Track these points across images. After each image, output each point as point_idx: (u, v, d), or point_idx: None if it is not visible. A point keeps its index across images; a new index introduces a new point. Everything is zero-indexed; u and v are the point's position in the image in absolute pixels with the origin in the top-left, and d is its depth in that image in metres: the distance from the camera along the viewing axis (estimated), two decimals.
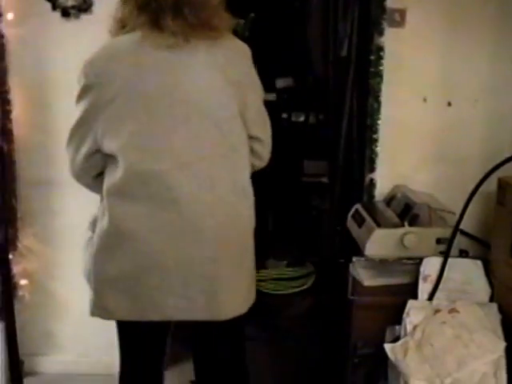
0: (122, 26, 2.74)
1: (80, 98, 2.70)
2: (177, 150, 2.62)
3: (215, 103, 2.64)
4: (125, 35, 2.69)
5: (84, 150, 2.72)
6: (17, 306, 4.01)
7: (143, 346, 3.00)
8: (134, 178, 2.62)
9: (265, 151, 2.89)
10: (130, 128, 2.60)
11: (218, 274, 2.71)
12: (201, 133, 2.64)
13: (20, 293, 4.03)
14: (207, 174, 2.65)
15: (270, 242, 4.44)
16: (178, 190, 2.62)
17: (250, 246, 2.84)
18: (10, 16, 3.77)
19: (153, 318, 2.73)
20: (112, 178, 2.68)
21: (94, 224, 2.84)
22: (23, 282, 4.03)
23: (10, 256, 3.90)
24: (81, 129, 2.71)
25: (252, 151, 2.83)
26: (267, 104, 3.00)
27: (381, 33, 3.92)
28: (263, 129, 2.85)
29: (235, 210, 2.75)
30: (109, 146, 2.65)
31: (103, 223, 2.73)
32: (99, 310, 2.83)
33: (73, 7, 3.76)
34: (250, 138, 2.80)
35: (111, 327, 4.00)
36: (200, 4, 2.62)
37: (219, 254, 2.70)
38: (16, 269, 3.99)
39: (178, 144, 2.62)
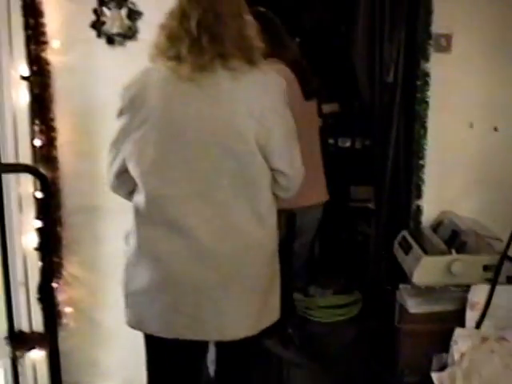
0: (158, 52, 2.73)
1: (117, 118, 2.76)
2: (195, 179, 2.64)
3: (234, 136, 2.61)
4: (159, 63, 2.70)
5: (115, 168, 2.80)
6: (61, 334, 3.99)
7: (170, 364, 3.02)
8: (153, 204, 2.68)
9: (290, 184, 2.85)
10: (152, 156, 2.64)
11: (227, 298, 2.74)
12: (219, 164, 2.62)
13: (65, 320, 4.02)
14: (223, 202, 2.66)
15: (316, 268, 4.42)
16: (193, 218, 2.65)
17: (264, 274, 2.85)
18: (56, 44, 3.78)
19: (166, 335, 2.78)
20: (137, 199, 2.74)
21: (127, 238, 2.88)
22: (68, 309, 4.02)
23: (55, 284, 3.91)
24: (113, 148, 2.77)
25: (276, 183, 2.83)
26: None
27: (427, 58, 3.92)
28: (288, 163, 2.81)
29: (249, 238, 2.74)
30: (132, 170, 2.71)
31: (132, 240, 2.80)
32: (128, 319, 2.91)
33: (118, 34, 3.77)
34: (274, 170, 2.76)
35: None
36: (217, 35, 2.61)
37: (228, 279, 2.72)
38: (61, 297, 3.98)
39: (196, 174, 2.64)
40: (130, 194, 2.84)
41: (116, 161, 2.77)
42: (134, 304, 2.87)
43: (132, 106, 2.68)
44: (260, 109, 2.63)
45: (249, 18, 2.72)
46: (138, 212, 2.74)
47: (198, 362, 3.05)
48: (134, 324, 2.89)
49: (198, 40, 2.60)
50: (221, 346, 3.03)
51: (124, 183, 2.83)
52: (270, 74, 2.74)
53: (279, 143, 2.71)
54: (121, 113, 2.71)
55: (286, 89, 2.75)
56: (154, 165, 2.65)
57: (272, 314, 2.91)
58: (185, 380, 3.00)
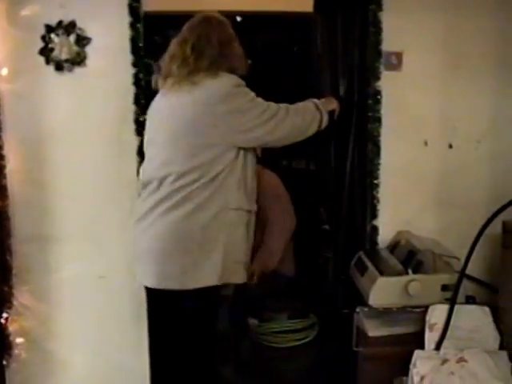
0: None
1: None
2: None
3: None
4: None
5: None
6: (13, 365, 3.94)
7: None
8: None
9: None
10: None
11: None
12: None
13: (16, 351, 3.95)
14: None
15: (268, 292, 4.36)
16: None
17: None
18: (3, 71, 3.76)
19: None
20: None
21: None
22: (19, 340, 3.96)
23: (5, 314, 3.84)
24: None
25: None
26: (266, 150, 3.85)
27: (377, 76, 3.88)
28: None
29: None
30: None
31: None
32: None
33: (66, 61, 3.74)
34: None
35: None
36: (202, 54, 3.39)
37: None
38: (12, 327, 3.92)
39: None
40: None
41: None
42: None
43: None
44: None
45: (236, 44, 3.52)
46: None
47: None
48: None
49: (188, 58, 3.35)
50: None
51: None
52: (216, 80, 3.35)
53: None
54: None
55: None
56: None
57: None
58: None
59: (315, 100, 3.66)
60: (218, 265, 3.28)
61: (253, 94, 3.39)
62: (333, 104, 3.76)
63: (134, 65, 3.75)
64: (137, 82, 3.76)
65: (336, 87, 4.07)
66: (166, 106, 3.42)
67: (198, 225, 3.27)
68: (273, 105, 3.42)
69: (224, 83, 3.32)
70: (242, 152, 3.38)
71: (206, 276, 3.27)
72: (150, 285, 3.39)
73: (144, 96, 3.78)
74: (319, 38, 4.22)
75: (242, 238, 3.42)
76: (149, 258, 3.37)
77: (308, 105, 3.61)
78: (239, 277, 3.43)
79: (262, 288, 4.19)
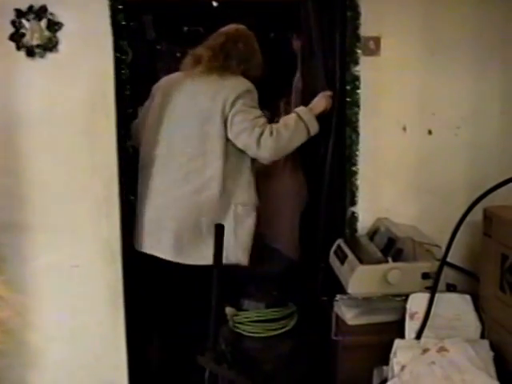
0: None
1: None
2: None
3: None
4: None
5: None
6: None
7: None
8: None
9: None
10: None
11: None
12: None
13: None
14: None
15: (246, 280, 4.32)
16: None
17: None
18: None
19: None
20: None
21: None
22: None
23: None
24: None
25: None
26: None
27: (356, 62, 3.83)
28: None
29: None
30: None
31: None
32: None
33: (38, 46, 3.66)
34: None
35: (86, 376, 3.89)
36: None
37: None
38: None
39: None
40: None
41: None
42: None
43: None
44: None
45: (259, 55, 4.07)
46: None
47: None
48: None
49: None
50: None
51: None
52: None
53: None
54: None
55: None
56: None
57: None
58: None
59: (300, 110, 3.91)
60: None
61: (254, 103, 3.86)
62: (321, 105, 3.90)
63: (108, 50, 3.66)
64: (109, 68, 3.67)
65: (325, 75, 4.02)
66: (192, 88, 3.87)
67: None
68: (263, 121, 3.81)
69: (242, 84, 3.84)
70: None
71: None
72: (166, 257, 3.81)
73: (117, 83, 3.70)
74: (304, 23, 4.16)
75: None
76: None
77: (288, 122, 3.85)
78: None
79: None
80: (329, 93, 3.91)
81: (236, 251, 3.81)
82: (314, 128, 3.83)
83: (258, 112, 3.82)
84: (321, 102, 3.90)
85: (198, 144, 3.78)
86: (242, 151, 3.81)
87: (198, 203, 3.77)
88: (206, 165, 3.77)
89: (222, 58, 3.88)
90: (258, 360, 3.94)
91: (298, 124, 3.81)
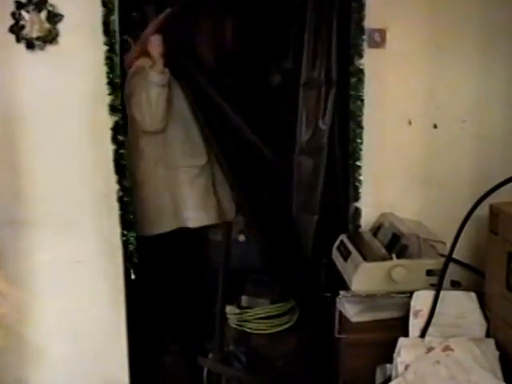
0: None
1: None
2: None
3: None
4: None
5: None
6: None
7: None
8: None
9: None
10: None
11: None
12: None
13: None
14: None
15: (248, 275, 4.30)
16: None
17: None
18: None
19: None
20: None
21: None
22: None
23: None
24: None
25: None
26: None
27: (360, 54, 3.77)
28: None
29: None
30: None
31: None
32: None
33: (37, 38, 3.62)
34: None
35: (86, 373, 3.87)
36: None
37: None
38: None
39: None
40: None
41: None
42: None
43: None
44: None
45: None
46: None
47: None
48: None
49: None
50: None
51: None
52: None
53: None
54: None
55: None
56: None
57: None
58: None
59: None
60: None
61: None
62: (153, 48, 4.16)
63: (107, 43, 3.61)
64: (110, 60, 3.62)
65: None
66: None
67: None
68: None
69: None
70: None
71: None
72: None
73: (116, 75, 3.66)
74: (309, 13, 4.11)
75: None
76: None
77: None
78: None
79: None
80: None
81: None
82: (156, 78, 4.12)
83: None
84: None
85: None
86: None
87: None
88: None
89: None
90: (269, 357, 3.93)
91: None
